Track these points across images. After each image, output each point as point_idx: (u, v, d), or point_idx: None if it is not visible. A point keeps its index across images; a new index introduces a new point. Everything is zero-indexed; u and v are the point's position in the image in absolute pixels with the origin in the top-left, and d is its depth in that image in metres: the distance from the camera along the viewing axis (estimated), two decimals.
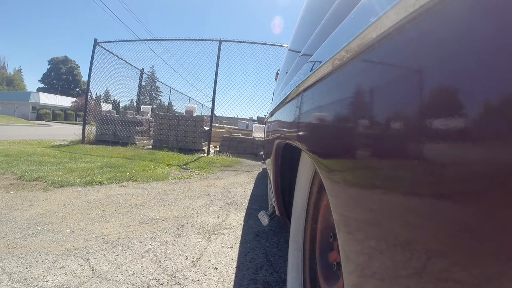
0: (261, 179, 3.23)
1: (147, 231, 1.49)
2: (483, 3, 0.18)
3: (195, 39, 6.14)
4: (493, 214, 0.16)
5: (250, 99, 12.63)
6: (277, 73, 2.50)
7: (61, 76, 56.92)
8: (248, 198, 2.39)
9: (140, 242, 1.34)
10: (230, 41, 5.78)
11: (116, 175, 2.77)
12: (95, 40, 6.16)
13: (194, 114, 5.96)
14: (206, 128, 5.75)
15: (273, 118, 1.24)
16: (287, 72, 1.18)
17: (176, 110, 12.15)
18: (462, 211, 0.19)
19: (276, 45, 5.69)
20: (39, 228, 1.45)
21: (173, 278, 1.05)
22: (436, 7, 0.22)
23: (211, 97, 5.70)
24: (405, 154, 0.25)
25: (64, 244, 1.28)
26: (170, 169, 3.47)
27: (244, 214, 1.92)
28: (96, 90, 6.93)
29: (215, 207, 2.03)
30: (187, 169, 3.60)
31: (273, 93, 2.30)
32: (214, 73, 5.69)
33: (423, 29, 0.24)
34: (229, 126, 9.29)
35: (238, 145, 5.87)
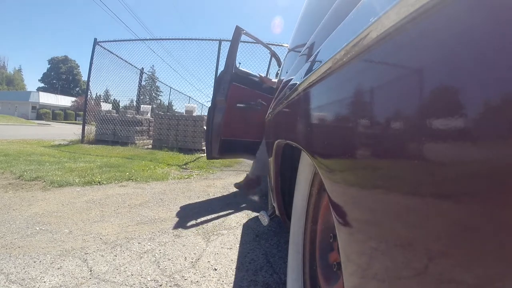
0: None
1: (146, 232, 1.48)
2: (483, 3, 0.18)
3: (195, 39, 6.15)
4: (494, 214, 0.16)
5: None
6: (277, 73, 2.50)
7: (61, 76, 56.98)
8: (248, 198, 2.38)
9: (139, 243, 1.34)
10: (230, 40, 5.76)
11: (115, 175, 2.77)
12: (95, 39, 6.15)
13: (194, 114, 5.96)
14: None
15: (273, 118, 1.24)
16: (287, 72, 1.17)
17: (176, 110, 12.16)
18: (463, 211, 0.18)
19: (276, 45, 5.69)
20: (38, 228, 1.44)
21: (172, 279, 1.04)
22: (436, 7, 0.22)
23: (211, 96, 5.69)
24: (405, 154, 0.25)
25: (62, 245, 1.27)
26: (170, 169, 3.47)
27: (244, 214, 1.91)
28: (96, 89, 6.93)
29: (214, 208, 2.02)
30: (186, 169, 3.59)
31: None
32: (214, 72, 5.69)
33: (423, 29, 0.24)
34: None
35: None
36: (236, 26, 2.45)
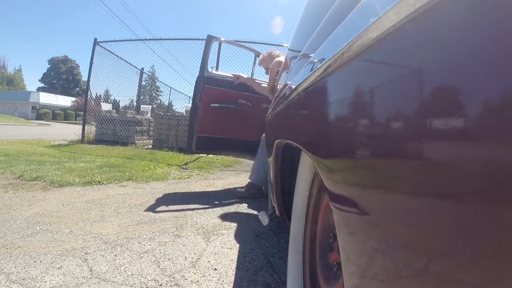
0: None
1: (146, 232, 1.48)
2: (483, 3, 0.18)
3: (195, 39, 6.12)
4: (494, 214, 0.16)
5: None
6: (277, 73, 2.51)
7: (61, 76, 57.00)
8: (248, 199, 2.38)
9: (139, 243, 1.34)
10: (229, 41, 5.76)
11: (115, 175, 2.77)
12: (95, 39, 6.15)
13: None
14: None
15: (273, 118, 1.24)
16: (287, 72, 1.17)
17: (176, 110, 12.17)
18: (463, 211, 0.18)
19: (276, 45, 5.68)
20: (38, 228, 1.44)
21: (172, 279, 1.05)
22: (436, 7, 0.22)
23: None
24: (406, 154, 0.25)
25: (63, 244, 1.27)
26: (170, 169, 3.47)
27: (244, 214, 1.91)
28: (96, 89, 6.93)
29: (214, 208, 2.02)
30: (186, 169, 3.59)
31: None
32: None
33: (423, 29, 0.24)
34: None
35: None
36: (208, 35, 2.80)
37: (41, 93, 39.56)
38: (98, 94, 7.52)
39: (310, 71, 0.55)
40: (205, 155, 5.12)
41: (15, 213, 1.64)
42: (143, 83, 8.36)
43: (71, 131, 7.57)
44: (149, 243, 1.34)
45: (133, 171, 3.05)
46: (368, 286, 0.31)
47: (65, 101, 40.56)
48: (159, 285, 1.00)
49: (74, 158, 3.72)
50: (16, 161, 3.14)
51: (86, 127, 6.17)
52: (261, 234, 1.56)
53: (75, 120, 33.36)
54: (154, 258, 1.20)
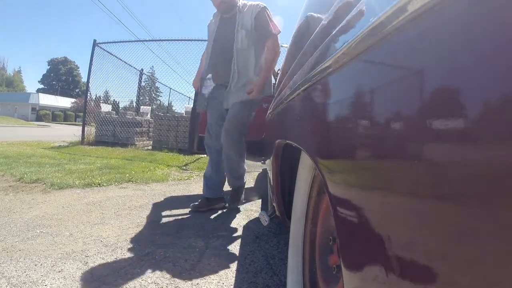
0: (261, 180, 3.21)
1: (146, 234, 1.48)
2: (483, 3, 0.18)
3: (194, 40, 6.12)
4: (495, 215, 0.16)
5: None
6: (277, 72, 2.51)
7: (60, 77, 57.00)
8: (248, 200, 2.37)
9: (139, 245, 1.34)
10: None
11: (115, 177, 2.76)
12: (94, 41, 6.15)
13: None
14: None
15: (273, 118, 1.24)
16: (287, 72, 1.17)
17: (176, 111, 12.17)
18: (464, 212, 0.18)
19: None
20: (38, 231, 1.44)
21: (172, 282, 1.04)
22: (437, 7, 0.21)
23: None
24: (407, 155, 0.25)
25: (63, 247, 1.27)
26: (170, 170, 3.46)
27: (244, 215, 1.91)
28: (95, 91, 6.93)
29: (214, 209, 2.02)
30: (186, 170, 3.59)
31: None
32: None
33: (423, 29, 0.23)
34: None
35: None
36: None
37: (41, 95, 39.56)
38: (97, 95, 7.52)
39: (311, 71, 0.55)
40: (206, 155, 5.11)
41: (15, 216, 1.64)
42: (143, 84, 8.36)
43: (70, 132, 7.56)
44: (150, 246, 1.34)
45: (133, 172, 3.05)
46: None
47: (65, 102, 40.58)
48: None
49: (74, 159, 3.72)
50: (16, 163, 3.14)
51: (86, 128, 6.17)
52: (261, 235, 1.55)
53: (75, 121, 33.35)
54: (154, 261, 1.19)
